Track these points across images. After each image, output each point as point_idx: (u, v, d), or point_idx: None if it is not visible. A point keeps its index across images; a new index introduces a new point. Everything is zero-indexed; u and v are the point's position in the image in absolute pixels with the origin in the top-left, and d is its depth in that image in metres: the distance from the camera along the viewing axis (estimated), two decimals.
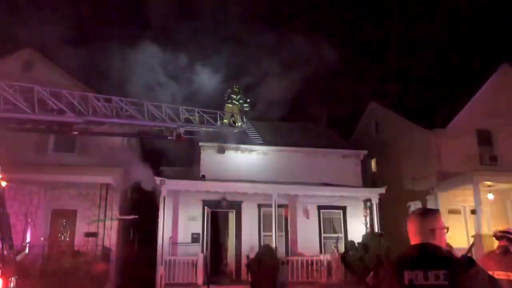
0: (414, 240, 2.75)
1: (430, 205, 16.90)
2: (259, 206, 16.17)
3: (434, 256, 2.62)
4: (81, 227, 15.40)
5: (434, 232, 2.72)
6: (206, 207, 15.32)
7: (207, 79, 16.96)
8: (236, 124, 15.57)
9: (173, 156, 19.48)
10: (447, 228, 2.82)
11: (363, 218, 16.79)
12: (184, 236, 15.34)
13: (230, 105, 15.53)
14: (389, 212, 16.97)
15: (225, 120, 15.24)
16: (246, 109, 15.84)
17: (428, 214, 2.83)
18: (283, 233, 16.06)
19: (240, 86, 16.29)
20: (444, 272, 2.48)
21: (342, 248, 15.27)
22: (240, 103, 15.62)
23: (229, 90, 15.86)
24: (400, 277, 2.54)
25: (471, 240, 14.67)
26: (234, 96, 15.57)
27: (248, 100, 16.12)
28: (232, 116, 15.55)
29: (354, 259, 13.98)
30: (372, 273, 2.79)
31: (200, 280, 13.53)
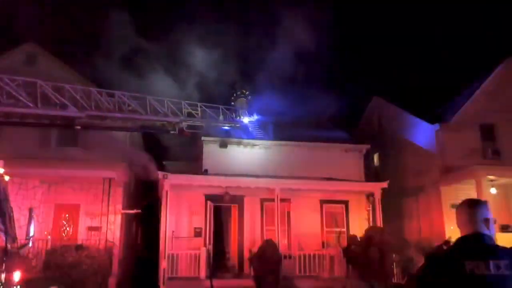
0: (465, 230, 2.72)
1: (433, 200, 16.90)
2: (262, 200, 16.18)
3: (493, 245, 2.61)
4: (84, 221, 15.47)
5: (488, 222, 2.70)
6: (208, 202, 15.34)
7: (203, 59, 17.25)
8: (242, 118, 15.79)
9: (175, 151, 19.54)
10: (495, 220, 2.87)
11: (366, 212, 16.78)
12: (186, 230, 15.39)
13: (243, 99, 15.83)
14: (392, 206, 16.97)
15: (245, 118, 15.70)
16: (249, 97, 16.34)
17: (480, 204, 2.81)
18: (286, 227, 16.07)
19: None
20: (506, 262, 2.47)
21: (344, 242, 15.29)
22: (248, 99, 16.00)
23: (243, 90, 16.20)
24: (461, 267, 2.48)
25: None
26: (245, 92, 15.98)
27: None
28: (243, 109, 15.84)
29: (356, 253, 13.99)
30: (424, 262, 2.70)
31: (202, 274, 13.57)
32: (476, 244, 2.60)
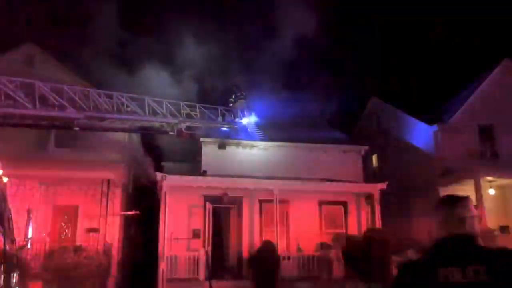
0: (442, 231, 2.40)
1: (432, 201, 16.90)
2: (260, 201, 16.15)
3: (470, 248, 2.29)
4: (83, 223, 15.42)
5: (464, 221, 2.37)
6: (207, 203, 15.32)
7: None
8: (242, 119, 15.89)
9: (174, 152, 19.52)
10: (478, 217, 2.47)
11: (364, 213, 16.78)
12: (185, 231, 15.34)
13: (244, 101, 15.94)
14: (390, 207, 16.97)
15: (245, 119, 16.19)
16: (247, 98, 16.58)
17: (457, 201, 2.46)
18: (284, 229, 16.05)
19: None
20: (485, 266, 2.16)
21: (343, 244, 15.27)
22: (246, 100, 16.11)
23: (242, 91, 16.31)
24: (433, 276, 2.20)
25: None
26: (243, 93, 16.14)
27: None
28: (242, 111, 15.90)
29: (355, 255, 13.99)
30: (398, 271, 2.41)
31: (201, 276, 13.54)
32: (452, 248, 2.30)
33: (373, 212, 16.22)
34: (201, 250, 13.98)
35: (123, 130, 15.38)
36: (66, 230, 15.57)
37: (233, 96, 16.33)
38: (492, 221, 14.84)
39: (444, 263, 2.21)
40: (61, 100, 11.66)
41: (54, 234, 15.19)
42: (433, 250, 2.37)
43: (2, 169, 6.42)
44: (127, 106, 13.05)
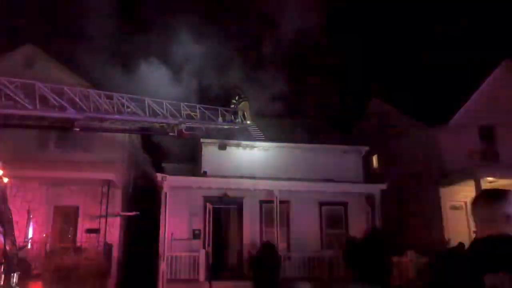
0: (483, 231, 2.08)
1: (433, 201, 16.88)
2: (261, 202, 16.15)
3: None
4: (83, 224, 15.43)
5: (510, 219, 2.04)
6: (207, 203, 15.31)
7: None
8: (245, 121, 15.86)
9: (174, 152, 19.51)
10: None
11: (365, 214, 16.76)
12: (185, 232, 15.34)
13: (247, 102, 15.91)
14: (391, 208, 16.96)
15: (247, 120, 16.03)
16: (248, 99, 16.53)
17: (502, 197, 2.12)
18: (285, 229, 16.04)
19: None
20: None
21: (343, 244, 15.26)
22: (248, 102, 16.08)
23: (242, 92, 16.28)
24: (478, 283, 1.85)
25: (473, 236, 14.63)
26: (247, 96, 16.10)
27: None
28: (243, 112, 15.87)
29: (356, 255, 13.97)
30: (434, 273, 2.10)
31: (201, 276, 13.55)
32: (500, 251, 1.92)
33: (373, 213, 16.20)
34: (202, 251, 13.98)
35: (123, 131, 15.38)
36: (67, 231, 15.57)
37: (236, 98, 16.32)
38: None
39: (491, 267, 1.86)
40: (61, 101, 11.65)
41: (55, 234, 15.21)
42: (476, 252, 2.02)
43: (2, 169, 6.42)
44: (127, 107, 13.04)
